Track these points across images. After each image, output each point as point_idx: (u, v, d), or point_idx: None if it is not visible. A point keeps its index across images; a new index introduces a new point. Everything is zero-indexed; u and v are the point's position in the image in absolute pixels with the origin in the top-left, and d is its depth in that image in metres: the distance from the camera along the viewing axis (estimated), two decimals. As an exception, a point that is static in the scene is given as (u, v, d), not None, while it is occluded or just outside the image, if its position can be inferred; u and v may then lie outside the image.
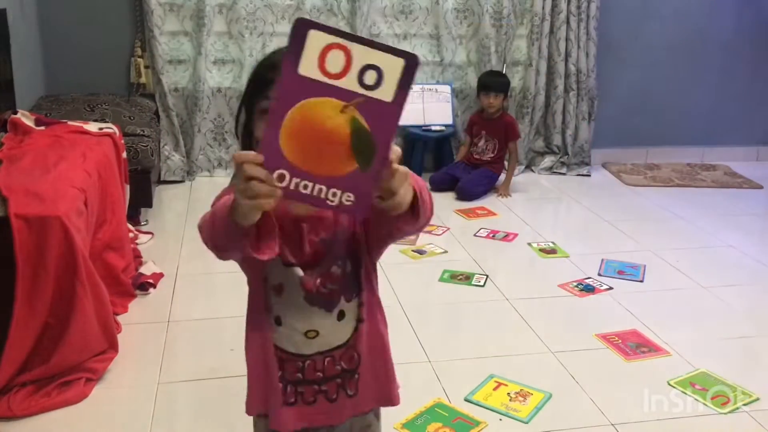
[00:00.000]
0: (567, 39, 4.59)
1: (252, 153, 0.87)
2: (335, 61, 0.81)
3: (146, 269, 2.91)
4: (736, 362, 2.45)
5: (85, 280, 2.10)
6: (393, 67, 0.81)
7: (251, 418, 2.03)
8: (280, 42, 4.35)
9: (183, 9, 4.20)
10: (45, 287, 2.05)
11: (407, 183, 0.92)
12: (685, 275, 3.13)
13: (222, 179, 4.39)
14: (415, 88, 4.58)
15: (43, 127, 2.96)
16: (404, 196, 0.92)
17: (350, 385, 1.22)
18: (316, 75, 0.82)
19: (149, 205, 3.55)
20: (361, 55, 0.81)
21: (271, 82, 1.07)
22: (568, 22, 4.56)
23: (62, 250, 2.05)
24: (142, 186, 3.38)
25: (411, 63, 0.82)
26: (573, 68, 4.63)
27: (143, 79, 4.21)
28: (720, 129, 5.12)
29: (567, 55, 4.62)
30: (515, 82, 4.70)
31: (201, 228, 1.10)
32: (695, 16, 4.88)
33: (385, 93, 0.82)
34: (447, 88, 4.52)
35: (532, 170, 4.77)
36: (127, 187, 3.10)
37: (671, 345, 2.48)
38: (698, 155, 5.11)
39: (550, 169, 4.74)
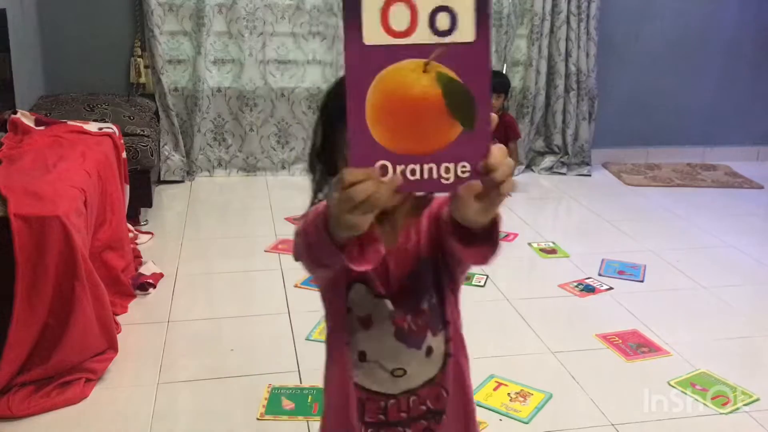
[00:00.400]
0: (567, 39, 4.59)
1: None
2: (399, 16, 0.70)
3: (146, 269, 2.91)
4: (736, 362, 2.45)
5: (85, 280, 2.10)
6: (464, 2, 0.70)
7: (251, 418, 2.03)
8: (280, 42, 4.35)
9: (182, 9, 4.19)
10: (45, 287, 2.05)
11: (506, 164, 0.76)
12: (685, 275, 3.13)
13: (222, 179, 4.39)
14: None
15: (42, 127, 2.96)
16: (501, 177, 0.75)
17: (436, 426, 1.10)
18: (384, 39, 0.70)
19: (149, 205, 3.55)
20: (426, 0, 0.70)
21: None
22: (568, 22, 4.56)
23: (62, 250, 2.04)
24: (142, 186, 3.38)
25: None
26: (573, 68, 4.63)
27: (143, 79, 4.21)
28: (720, 129, 5.12)
29: (567, 54, 4.62)
30: (515, 82, 4.70)
31: (295, 244, 0.99)
32: (695, 16, 4.88)
33: (465, 33, 0.70)
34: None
35: (533, 170, 4.76)
36: (127, 187, 3.10)
37: (671, 345, 2.48)
38: (699, 155, 5.11)
39: (551, 169, 4.74)
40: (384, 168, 0.73)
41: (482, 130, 0.73)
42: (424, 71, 0.71)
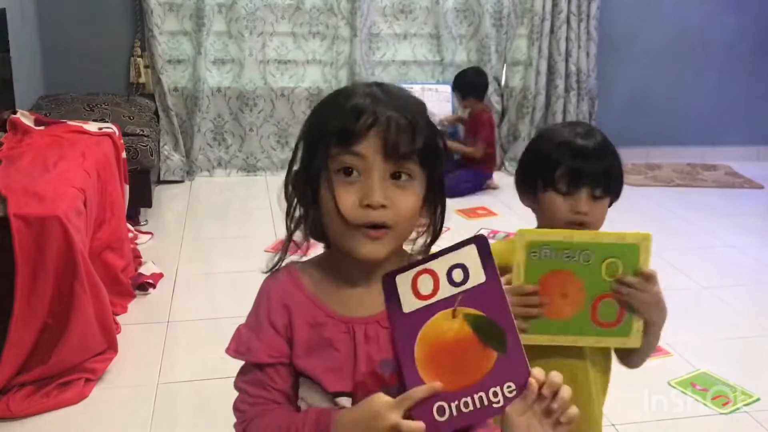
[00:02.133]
0: (567, 39, 4.59)
1: (413, 424, 0.81)
2: (425, 283, 0.86)
3: (146, 269, 2.91)
4: (736, 362, 2.45)
5: (85, 281, 2.09)
6: (470, 255, 0.86)
7: (251, 418, 2.03)
8: (280, 42, 4.35)
9: (182, 8, 4.19)
10: (44, 287, 2.04)
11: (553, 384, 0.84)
12: (685, 275, 3.13)
13: (222, 179, 4.39)
14: (415, 88, 4.57)
15: (42, 127, 2.96)
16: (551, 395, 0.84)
17: None
18: (418, 304, 0.85)
19: (149, 205, 3.55)
20: (441, 265, 0.86)
21: (354, 134, 0.88)
22: (568, 22, 4.56)
23: (61, 250, 2.04)
24: (142, 186, 3.38)
25: (481, 243, 0.86)
26: (573, 68, 4.63)
27: (143, 79, 4.21)
28: (721, 129, 5.12)
29: (567, 54, 4.62)
30: (515, 82, 4.70)
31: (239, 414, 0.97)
32: (695, 16, 4.88)
33: (476, 277, 0.85)
34: (447, 88, 4.52)
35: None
36: (127, 187, 3.09)
37: (671, 345, 2.48)
38: (699, 155, 5.10)
39: (551, 169, 4.74)
40: (441, 408, 0.83)
41: (515, 350, 0.84)
42: (453, 317, 0.85)
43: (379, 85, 0.94)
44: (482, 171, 4.27)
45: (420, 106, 0.94)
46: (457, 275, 0.86)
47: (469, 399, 0.84)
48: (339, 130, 0.88)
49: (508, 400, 0.83)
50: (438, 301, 0.86)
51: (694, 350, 2.46)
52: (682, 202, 4.19)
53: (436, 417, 0.83)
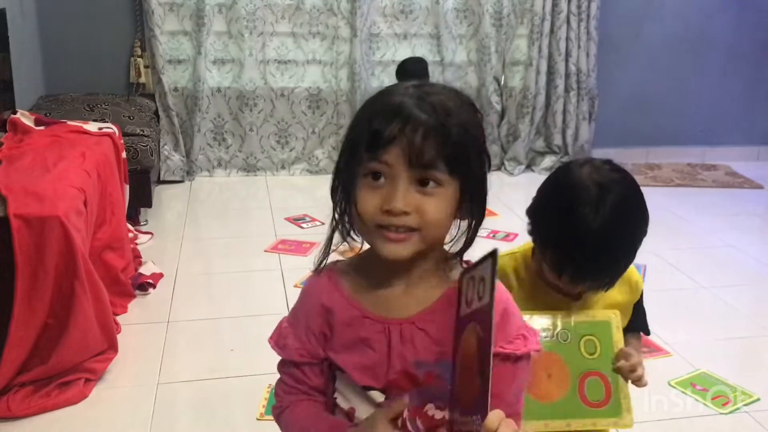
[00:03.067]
0: (567, 39, 4.59)
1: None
2: (471, 290, 0.88)
3: (146, 269, 2.91)
4: (736, 362, 2.45)
5: (85, 281, 2.09)
6: (485, 271, 0.87)
7: (251, 418, 2.03)
8: (280, 42, 4.36)
9: (183, 8, 4.19)
10: (44, 287, 2.04)
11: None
12: (685, 275, 3.13)
13: (222, 179, 4.39)
14: (415, 88, 4.56)
15: (42, 127, 2.96)
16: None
17: None
18: (466, 310, 0.87)
19: (149, 205, 3.55)
20: (480, 273, 0.89)
21: (382, 141, 0.88)
22: (568, 22, 4.56)
23: (62, 250, 2.04)
24: (142, 186, 3.37)
25: (493, 258, 0.86)
26: (573, 68, 4.63)
27: (143, 79, 4.21)
28: (721, 129, 5.11)
29: (567, 54, 4.62)
30: (515, 81, 4.70)
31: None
32: (695, 16, 4.88)
33: (485, 297, 0.85)
34: (447, 88, 4.51)
35: (533, 170, 4.76)
36: (127, 187, 3.09)
37: (671, 345, 2.48)
38: (699, 155, 5.10)
39: (551, 169, 4.70)
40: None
41: (484, 387, 0.80)
42: (470, 332, 0.86)
43: (422, 85, 0.93)
44: None
45: (461, 109, 0.91)
46: (480, 289, 0.87)
47: (468, 419, 0.83)
48: (369, 136, 0.90)
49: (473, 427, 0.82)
50: (474, 311, 0.86)
51: (694, 350, 2.46)
52: (682, 202, 4.19)
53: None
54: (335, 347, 0.97)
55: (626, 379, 1.20)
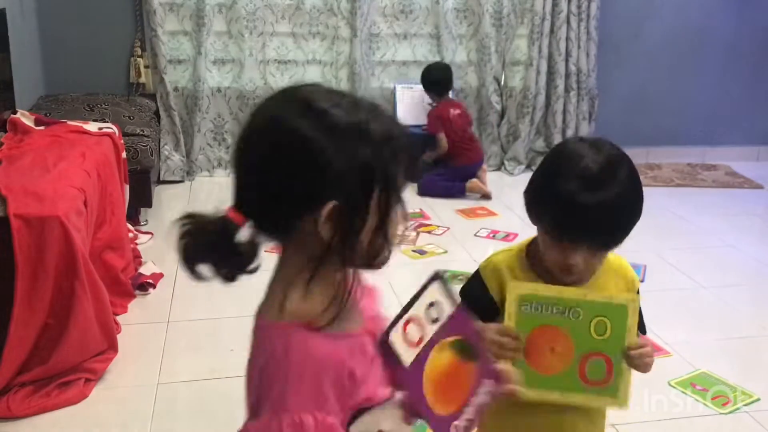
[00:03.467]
0: (567, 39, 4.59)
1: None
2: (413, 332, 0.97)
3: (146, 269, 2.91)
4: (736, 362, 2.45)
5: (85, 280, 2.10)
6: (437, 292, 0.96)
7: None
8: (280, 42, 4.36)
9: (183, 9, 4.19)
10: (44, 287, 2.05)
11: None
12: (685, 275, 3.13)
13: (222, 179, 4.39)
14: (416, 88, 4.57)
15: (42, 127, 2.96)
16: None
17: None
18: (414, 352, 0.96)
19: (149, 205, 3.55)
20: (419, 310, 0.97)
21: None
22: (568, 22, 4.56)
23: (62, 250, 2.04)
24: (142, 186, 3.37)
25: (439, 278, 0.96)
26: (573, 68, 4.63)
27: (143, 79, 4.21)
28: (721, 129, 5.12)
29: (567, 54, 4.62)
30: (515, 82, 4.70)
31: None
32: (695, 15, 4.88)
33: (447, 309, 0.96)
34: (447, 88, 4.52)
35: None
36: (127, 187, 3.10)
37: (671, 345, 2.48)
38: (699, 155, 5.10)
39: (551, 169, 4.74)
40: (456, 426, 0.95)
41: (483, 354, 0.96)
42: (441, 350, 0.95)
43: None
44: (454, 165, 4.22)
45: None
46: (434, 313, 0.96)
47: (469, 408, 0.95)
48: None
49: (490, 395, 0.95)
50: (428, 342, 0.96)
51: (694, 350, 2.46)
52: (682, 202, 4.19)
53: None
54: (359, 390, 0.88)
55: (634, 364, 1.20)
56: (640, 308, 1.23)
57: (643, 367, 1.21)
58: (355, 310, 0.94)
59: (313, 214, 0.82)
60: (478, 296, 1.24)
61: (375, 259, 0.93)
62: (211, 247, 0.92)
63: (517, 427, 1.25)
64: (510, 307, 1.17)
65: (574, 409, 1.23)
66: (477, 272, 1.28)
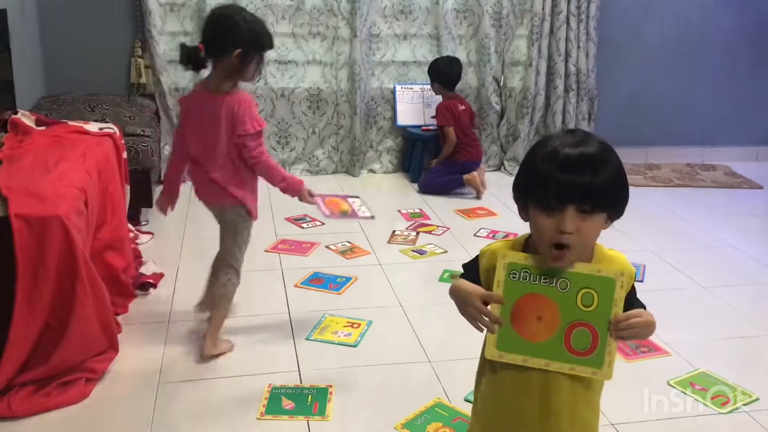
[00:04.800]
0: (567, 39, 4.60)
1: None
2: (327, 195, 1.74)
3: (146, 269, 2.91)
4: (736, 362, 2.45)
5: (86, 280, 2.10)
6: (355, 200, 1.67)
7: (251, 418, 2.04)
8: (280, 42, 4.36)
9: (183, 9, 4.20)
10: (45, 287, 2.05)
11: None
12: (685, 275, 3.13)
13: (222, 179, 4.39)
14: (415, 89, 4.58)
15: (43, 127, 2.96)
16: None
17: None
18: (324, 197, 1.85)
19: (149, 205, 3.54)
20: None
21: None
22: (568, 23, 4.56)
23: (62, 250, 2.05)
24: (143, 186, 3.38)
25: (358, 197, 1.62)
26: (573, 68, 4.64)
27: (143, 79, 4.21)
28: (720, 129, 5.12)
29: (567, 55, 4.63)
30: (515, 82, 4.70)
31: None
32: (695, 16, 4.88)
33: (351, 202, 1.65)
34: (447, 88, 4.52)
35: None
36: (128, 187, 3.10)
37: (671, 345, 2.48)
38: (698, 155, 5.11)
39: (550, 169, 4.74)
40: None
41: (353, 211, 2.38)
42: (333, 200, 1.68)
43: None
44: (455, 161, 4.22)
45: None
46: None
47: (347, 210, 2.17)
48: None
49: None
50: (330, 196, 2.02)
51: (694, 350, 2.46)
52: (681, 203, 4.20)
53: None
54: None
55: (623, 336, 1.19)
56: (638, 302, 1.24)
57: (640, 335, 1.22)
58: None
59: (232, 53, 2.14)
60: (470, 275, 1.30)
61: (251, 79, 2.24)
62: (193, 60, 2.18)
63: (505, 385, 1.28)
64: (499, 274, 1.21)
65: (564, 420, 1.26)
66: (477, 255, 1.32)
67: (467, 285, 1.26)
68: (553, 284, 1.19)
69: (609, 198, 1.17)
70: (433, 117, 4.36)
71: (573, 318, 1.20)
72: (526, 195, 1.21)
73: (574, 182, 1.13)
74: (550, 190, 1.14)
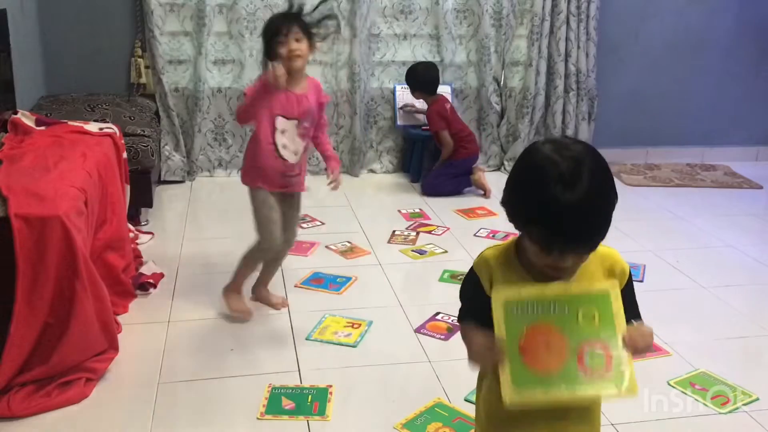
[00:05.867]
0: (567, 39, 4.59)
1: None
2: None
3: (146, 269, 2.91)
4: (736, 362, 2.45)
5: (86, 280, 2.10)
6: None
7: (251, 418, 2.04)
8: (280, 42, 4.35)
9: (183, 9, 4.20)
10: (45, 287, 2.05)
11: None
12: (685, 275, 3.13)
13: (222, 179, 4.39)
14: (415, 88, 4.57)
15: (43, 127, 2.96)
16: None
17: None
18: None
19: (149, 205, 3.55)
20: None
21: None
22: (567, 23, 4.56)
23: (62, 250, 2.05)
24: (143, 186, 3.38)
25: None
26: (573, 68, 4.63)
27: (143, 79, 4.21)
28: (720, 129, 5.12)
29: (567, 55, 4.62)
30: (515, 82, 4.70)
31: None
32: (695, 16, 4.88)
33: None
34: (447, 88, 4.52)
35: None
36: (128, 187, 3.10)
37: (671, 345, 2.48)
38: (698, 155, 5.11)
39: (550, 169, 4.74)
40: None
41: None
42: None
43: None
44: (456, 159, 4.21)
45: None
46: None
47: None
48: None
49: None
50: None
51: (694, 350, 2.46)
52: (681, 203, 4.20)
53: None
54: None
55: (638, 348, 1.21)
56: (631, 296, 1.25)
57: (644, 351, 1.24)
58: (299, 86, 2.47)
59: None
60: (472, 296, 1.27)
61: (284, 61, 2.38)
62: None
63: None
64: (497, 315, 1.19)
65: (571, 415, 1.26)
66: (471, 270, 1.30)
67: (478, 339, 1.24)
68: (552, 310, 1.18)
69: (601, 236, 1.16)
70: (425, 128, 4.38)
71: (580, 338, 1.18)
72: (521, 226, 1.19)
73: (577, 241, 1.14)
74: (552, 245, 1.13)
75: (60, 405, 2.05)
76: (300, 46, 2.37)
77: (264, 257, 2.62)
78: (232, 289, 2.63)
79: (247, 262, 2.61)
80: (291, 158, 2.47)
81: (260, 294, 2.73)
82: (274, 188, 2.49)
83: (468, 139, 4.28)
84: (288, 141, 2.45)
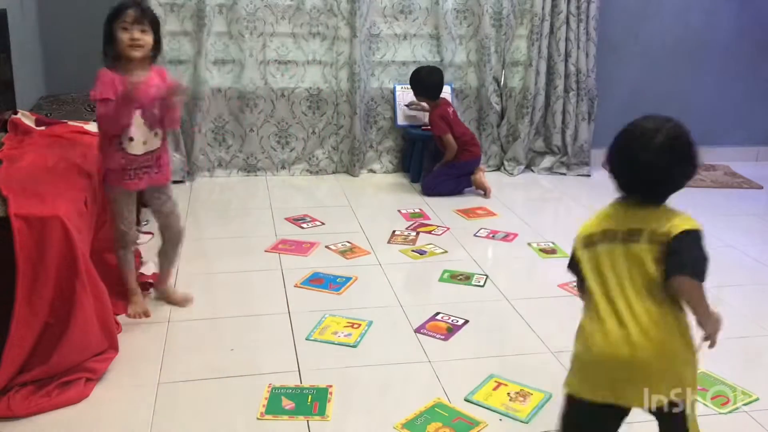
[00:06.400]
0: (567, 39, 4.59)
1: None
2: None
3: (146, 269, 2.91)
4: (736, 362, 2.45)
5: (86, 280, 2.10)
6: None
7: (251, 417, 2.04)
8: (280, 42, 4.36)
9: (183, 9, 4.20)
10: (45, 287, 2.05)
11: None
12: (684, 275, 3.13)
13: (222, 179, 4.40)
14: (415, 89, 4.56)
15: (43, 127, 2.96)
16: None
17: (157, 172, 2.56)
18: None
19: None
20: None
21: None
22: (567, 23, 4.56)
23: (62, 250, 2.05)
24: (142, 186, 3.37)
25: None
26: (573, 68, 4.63)
27: (143, 80, 4.20)
28: (720, 129, 5.12)
29: (567, 55, 4.62)
30: (515, 82, 4.70)
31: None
32: (695, 16, 4.88)
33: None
34: (447, 89, 4.52)
35: (532, 170, 4.77)
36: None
37: (671, 345, 2.48)
38: (698, 155, 5.10)
39: (550, 170, 4.75)
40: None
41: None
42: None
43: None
44: (459, 161, 4.22)
45: None
46: None
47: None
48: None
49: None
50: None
51: (694, 350, 2.46)
52: (681, 202, 4.15)
53: None
54: None
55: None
56: (685, 249, 1.63)
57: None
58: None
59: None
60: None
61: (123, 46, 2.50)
62: None
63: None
64: None
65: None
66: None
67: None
68: None
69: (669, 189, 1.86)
70: (426, 128, 4.38)
71: None
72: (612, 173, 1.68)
73: (642, 196, 1.81)
74: (624, 189, 1.72)
75: (60, 405, 2.05)
76: (144, 38, 2.47)
77: (123, 249, 2.57)
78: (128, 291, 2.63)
79: (118, 260, 2.60)
80: (138, 150, 2.44)
81: (161, 292, 2.73)
82: (118, 184, 2.46)
83: (471, 142, 4.28)
84: (135, 131, 2.43)
